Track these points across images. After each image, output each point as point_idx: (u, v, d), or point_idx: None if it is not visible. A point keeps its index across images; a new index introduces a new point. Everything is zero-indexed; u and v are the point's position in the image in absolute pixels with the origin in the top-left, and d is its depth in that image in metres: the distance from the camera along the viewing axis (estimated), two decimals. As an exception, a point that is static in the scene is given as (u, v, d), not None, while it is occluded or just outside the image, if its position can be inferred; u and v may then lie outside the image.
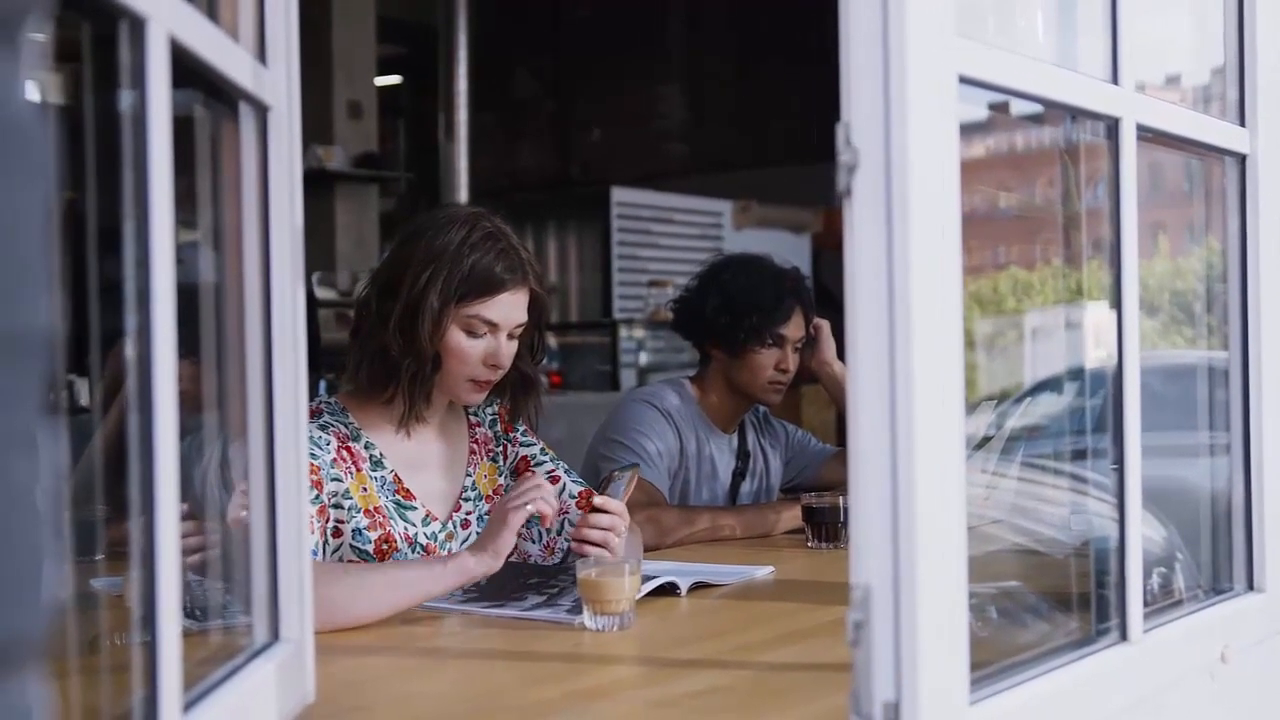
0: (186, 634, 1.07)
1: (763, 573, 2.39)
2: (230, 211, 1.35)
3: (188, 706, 1.08)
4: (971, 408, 1.28)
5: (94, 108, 1.05)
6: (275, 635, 1.37)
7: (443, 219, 2.25)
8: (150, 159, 1.00)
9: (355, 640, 1.89)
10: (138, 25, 0.99)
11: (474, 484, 2.40)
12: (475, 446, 2.42)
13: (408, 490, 2.28)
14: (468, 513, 2.37)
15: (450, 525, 2.33)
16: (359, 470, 2.22)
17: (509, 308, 2.24)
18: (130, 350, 1.01)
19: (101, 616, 1.45)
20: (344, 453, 2.21)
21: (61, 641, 0.99)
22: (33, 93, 0.62)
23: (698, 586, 2.23)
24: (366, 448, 2.27)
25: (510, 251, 2.24)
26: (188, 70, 1.10)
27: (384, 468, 2.27)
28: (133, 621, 1.23)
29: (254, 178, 1.35)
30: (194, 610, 1.36)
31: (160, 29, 1.00)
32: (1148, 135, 1.59)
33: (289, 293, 1.38)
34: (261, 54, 1.35)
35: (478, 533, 2.33)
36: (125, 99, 1.00)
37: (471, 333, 2.23)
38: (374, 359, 2.24)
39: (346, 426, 2.26)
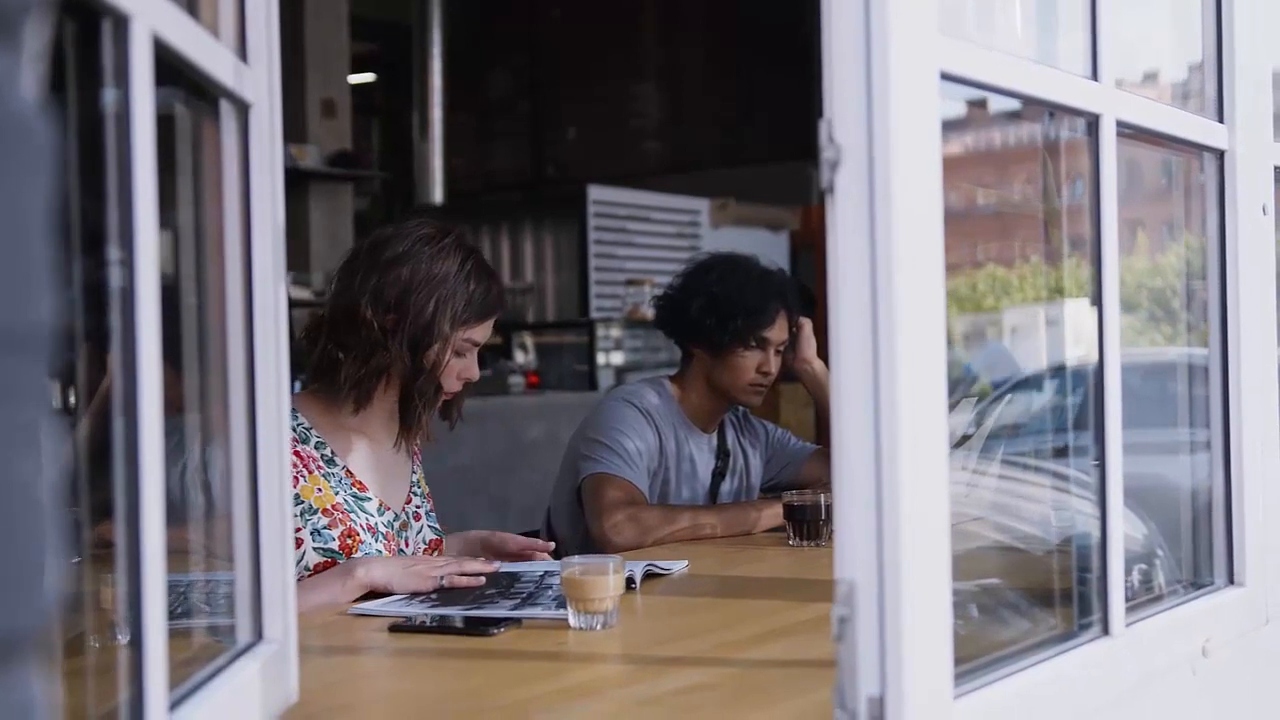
0: (169, 633, 1.06)
1: (678, 567, 2.40)
2: (211, 210, 1.34)
3: (173, 706, 1.07)
4: (951, 405, 1.28)
5: (75, 105, 1.05)
6: (259, 635, 1.37)
7: (424, 240, 2.30)
8: (134, 157, 0.99)
9: (339, 640, 1.89)
10: (121, 23, 0.98)
11: (418, 481, 2.49)
12: (415, 448, 2.50)
13: (360, 483, 2.33)
14: (417, 506, 2.45)
15: (404, 515, 2.40)
16: (311, 472, 2.25)
17: (490, 329, 2.38)
18: (114, 351, 1.00)
19: (76, 617, 1.44)
20: (293, 457, 2.22)
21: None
22: (33, 90, 0.62)
23: (650, 576, 2.27)
24: (317, 447, 2.30)
25: (496, 277, 2.37)
26: (169, 68, 1.10)
27: (336, 465, 2.31)
28: (110, 622, 1.22)
29: (235, 176, 1.35)
30: (174, 610, 1.35)
31: (144, 26, 1.00)
32: (1127, 131, 1.59)
33: (271, 292, 1.37)
34: (243, 51, 1.35)
35: (429, 525, 2.46)
36: (108, 96, 0.99)
37: (460, 354, 2.33)
38: (376, 375, 2.29)
39: (294, 430, 2.27)
